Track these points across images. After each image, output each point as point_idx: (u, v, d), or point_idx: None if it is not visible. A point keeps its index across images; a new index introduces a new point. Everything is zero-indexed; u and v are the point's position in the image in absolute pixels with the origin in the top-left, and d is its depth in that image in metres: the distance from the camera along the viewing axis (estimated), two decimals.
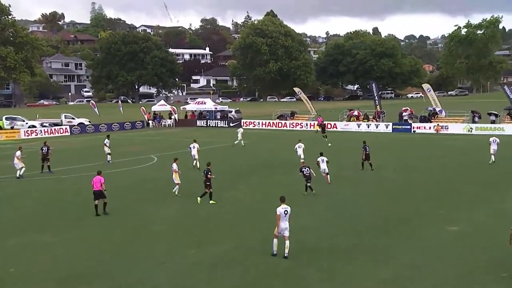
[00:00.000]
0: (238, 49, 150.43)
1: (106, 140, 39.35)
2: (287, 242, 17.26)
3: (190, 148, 35.77)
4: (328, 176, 29.69)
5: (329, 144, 48.09)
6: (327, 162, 29.75)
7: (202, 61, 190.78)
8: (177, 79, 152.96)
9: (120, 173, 34.49)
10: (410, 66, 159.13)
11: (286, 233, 17.28)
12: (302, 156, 34.99)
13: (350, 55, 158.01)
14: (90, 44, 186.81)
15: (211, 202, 25.24)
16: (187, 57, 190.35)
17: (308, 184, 26.97)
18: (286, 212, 17.28)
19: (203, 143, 44.68)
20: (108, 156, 38.69)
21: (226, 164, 36.89)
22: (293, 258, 17.21)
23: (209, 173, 25.13)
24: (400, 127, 62.78)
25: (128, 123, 73.47)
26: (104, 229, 21.43)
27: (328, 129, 60.29)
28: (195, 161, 35.33)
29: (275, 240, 17.48)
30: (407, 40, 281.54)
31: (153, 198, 26.87)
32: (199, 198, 25.40)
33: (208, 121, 76.13)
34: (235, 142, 49.38)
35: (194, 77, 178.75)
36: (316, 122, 64.95)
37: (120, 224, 22.15)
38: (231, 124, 73.05)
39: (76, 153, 46.53)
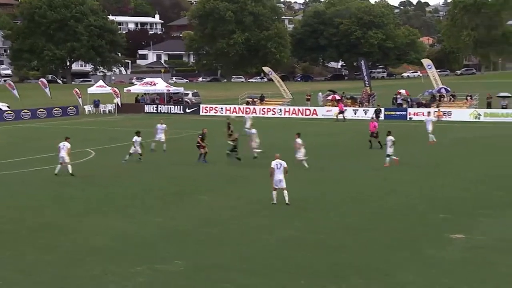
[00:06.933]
0: (196, 17, 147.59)
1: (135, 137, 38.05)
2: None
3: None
4: None
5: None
6: None
7: (151, 32, 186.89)
8: (119, 54, 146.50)
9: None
10: (405, 38, 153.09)
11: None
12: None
13: (333, 25, 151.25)
14: (7, 9, 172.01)
15: None
16: (131, 26, 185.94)
17: None
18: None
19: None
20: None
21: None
22: None
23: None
24: (393, 113, 63.59)
25: (58, 108, 71.27)
26: None
27: (307, 116, 63.97)
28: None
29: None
30: (401, 7, 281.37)
31: None
32: None
33: (159, 106, 74.21)
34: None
35: (140, 52, 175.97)
36: (337, 109, 63.63)
37: None
38: (187, 110, 72.03)
39: None
